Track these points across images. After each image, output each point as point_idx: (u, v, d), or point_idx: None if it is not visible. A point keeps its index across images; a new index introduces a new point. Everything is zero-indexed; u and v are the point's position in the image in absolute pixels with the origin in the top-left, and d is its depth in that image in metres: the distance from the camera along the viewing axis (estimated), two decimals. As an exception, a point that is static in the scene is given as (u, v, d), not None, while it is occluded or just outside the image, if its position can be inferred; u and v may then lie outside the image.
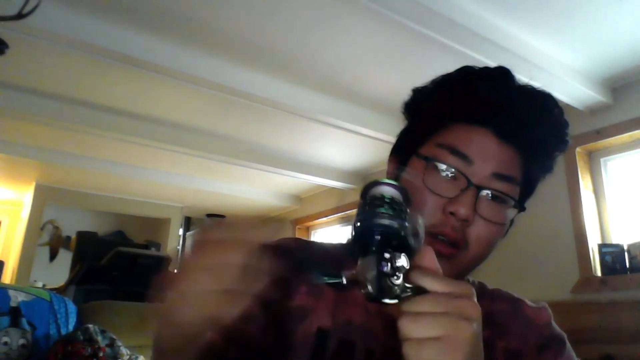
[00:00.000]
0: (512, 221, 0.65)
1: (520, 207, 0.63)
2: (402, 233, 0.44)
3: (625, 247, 2.67)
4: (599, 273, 2.69)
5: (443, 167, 0.60)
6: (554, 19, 2.21)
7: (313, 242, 0.76)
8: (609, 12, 2.14)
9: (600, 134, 2.80)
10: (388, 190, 0.46)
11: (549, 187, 2.69)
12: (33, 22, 1.96)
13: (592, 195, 2.89)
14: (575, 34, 2.32)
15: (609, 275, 2.63)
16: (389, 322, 0.62)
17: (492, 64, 2.44)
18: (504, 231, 0.62)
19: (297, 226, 5.43)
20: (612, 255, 2.66)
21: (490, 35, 2.20)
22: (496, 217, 0.60)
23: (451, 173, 0.60)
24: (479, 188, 0.58)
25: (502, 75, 0.65)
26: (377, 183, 0.47)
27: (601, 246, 2.72)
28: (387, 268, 0.43)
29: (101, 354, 1.80)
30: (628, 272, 2.61)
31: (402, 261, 0.43)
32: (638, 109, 2.67)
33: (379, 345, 0.61)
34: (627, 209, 2.78)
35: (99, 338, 1.85)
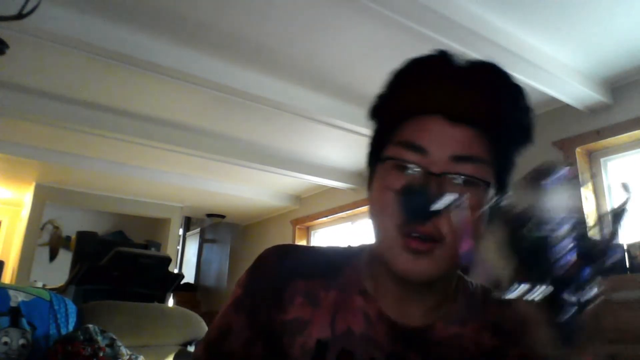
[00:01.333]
0: (499, 205, 0.60)
1: (499, 185, 0.60)
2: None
3: (625, 247, 2.67)
4: (599, 273, 2.69)
5: (402, 164, 0.58)
6: (554, 19, 2.21)
7: (306, 247, 0.73)
8: (608, 12, 2.15)
9: (600, 134, 2.80)
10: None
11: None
12: (33, 22, 1.96)
13: (592, 195, 2.89)
14: (575, 34, 2.32)
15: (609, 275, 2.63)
16: (391, 328, 0.61)
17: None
18: (481, 216, 0.58)
19: (297, 226, 5.43)
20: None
21: (490, 35, 2.20)
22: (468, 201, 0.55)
23: (410, 168, 0.57)
24: (440, 175, 0.56)
25: (438, 58, 0.63)
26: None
27: (601, 246, 2.72)
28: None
29: (101, 354, 1.80)
30: (628, 272, 2.61)
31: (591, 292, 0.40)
32: (638, 109, 2.67)
33: (381, 353, 0.60)
34: (627, 209, 2.78)
35: (99, 338, 1.85)
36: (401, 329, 0.61)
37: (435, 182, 0.55)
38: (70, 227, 5.92)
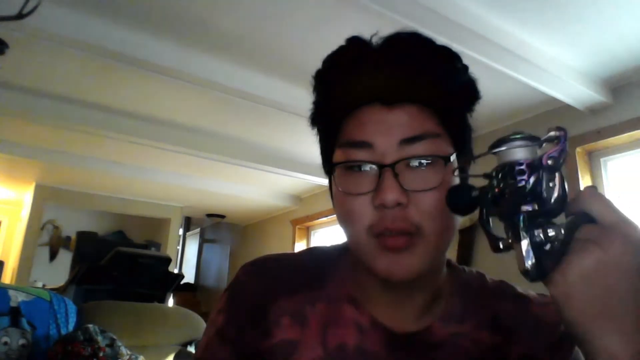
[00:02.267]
0: (464, 170, 0.58)
1: (461, 154, 0.56)
2: (550, 206, 0.42)
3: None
4: (599, 273, 2.69)
5: (352, 165, 0.54)
6: (554, 19, 2.21)
7: (285, 256, 0.66)
8: (609, 12, 2.14)
9: (600, 134, 2.80)
10: (521, 154, 0.43)
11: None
12: (33, 22, 1.96)
13: (592, 195, 2.89)
14: (575, 34, 2.32)
15: (609, 275, 2.63)
16: (386, 336, 0.58)
17: (492, 64, 2.45)
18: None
19: (297, 226, 5.43)
20: (612, 255, 2.66)
21: (490, 35, 2.20)
22: (429, 181, 0.52)
23: (360, 167, 0.53)
24: (393, 165, 0.51)
25: (352, 44, 0.58)
26: (506, 141, 0.44)
27: (601, 246, 2.72)
28: (542, 246, 0.42)
29: (101, 354, 1.80)
30: (628, 272, 2.61)
31: (554, 230, 0.42)
32: (638, 109, 2.67)
33: None
34: (627, 209, 2.78)
35: (99, 338, 1.85)
36: (397, 336, 0.58)
37: (389, 173, 0.51)
38: (70, 227, 5.92)
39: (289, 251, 0.71)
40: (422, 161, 0.52)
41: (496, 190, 0.44)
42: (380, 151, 0.52)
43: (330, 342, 0.58)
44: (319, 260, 0.65)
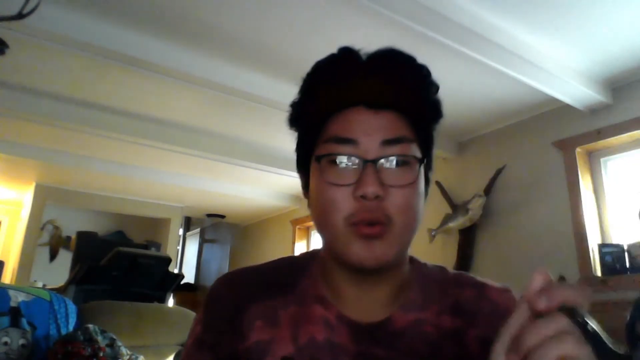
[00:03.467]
0: (427, 180, 0.65)
1: (422, 160, 0.63)
2: None
3: (625, 247, 2.67)
4: (599, 273, 2.69)
5: (335, 158, 0.60)
6: (554, 19, 2.21)
7: (256, 268, 0.71)
8: (609, 12, 2.14)
9: (600, 134, 2.80)
10: None
11: (549, 187, 2.68)
12: (33, 22, 1.96)
13: (592, 195, 2.89)
14: (575, 34, 2.32)
15: (609, 276, 2.63)
16: (352, 328, 0.62)
17: (493, 64, 2.45)
18: (419, 192, 0.61)
19: (297, 226, 5.43)
20: (612, 255, 2.66)
21: (490, 36, 2.20)
22: (404, 179, 0.59)
23: (345, 161, 0.59)
24: (375, 161, 0.58)
25: (345, 53, 0.67)
26: None
27: (601, 246, 2.72)
28: None
29: (101, 354, 1.80)
30: (628, 272, 2.61)
31: None
32: (638, 109, 2.67)
33: (348, 355, 0.61)
34: (627, 209, 2.78)
35: (99, 338, 1.85)
36: (362, 327, 0.62)
37: (371, 168, 0.57)
38: (70, 227, 5.91)
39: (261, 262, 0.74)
40: (399, 161, 0.59)
41: None
42: (363, 148, 0.59)
43: (301, 338, 0.62)
44: (290, 267, 0.70)
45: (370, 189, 0.56)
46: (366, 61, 0.65)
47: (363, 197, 0.57)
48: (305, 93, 0.67)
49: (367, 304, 0.63)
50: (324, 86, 0.65)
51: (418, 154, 0.62)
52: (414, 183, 0.60)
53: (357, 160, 0.59)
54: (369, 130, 0.60)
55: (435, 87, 0.65)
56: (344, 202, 0.58)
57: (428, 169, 0.65)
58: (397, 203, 0.58)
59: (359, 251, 0.57)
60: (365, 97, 0.61)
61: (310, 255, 0.71)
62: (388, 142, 0.59)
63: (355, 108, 0.62)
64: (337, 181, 0.59)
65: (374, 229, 0.57)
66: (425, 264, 0.70)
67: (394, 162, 0.59)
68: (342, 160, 0.59)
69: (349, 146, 0.59)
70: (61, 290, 3.30)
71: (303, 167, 0.68)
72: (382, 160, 0.59)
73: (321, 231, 0.63)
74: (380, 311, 0.63)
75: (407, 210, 0.59)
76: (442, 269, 0.71)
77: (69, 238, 5.92)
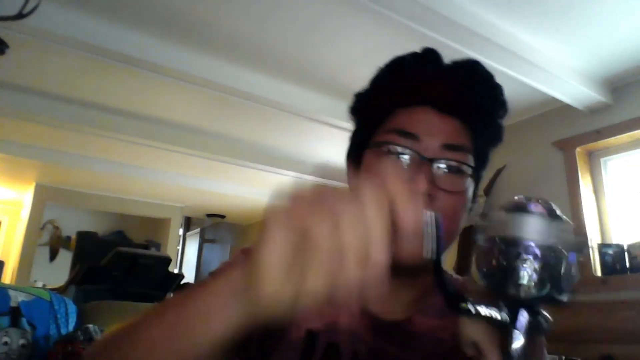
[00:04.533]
0: (474, 197, 0.65)
1: (476, 176, 0.64)
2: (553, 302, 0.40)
3: (625, 247, 2.67)
4: (599, 273, 2.69)
5: (395, 149, 0.60)
6: (554, 19, 2.21)
7: None
8: (608, 12, 2.14)
9: (600, 134, 2.80)
10: (534, 233, 0.39)
11: (549, 187, 2.67)
12: (33, 22, 1.96)
13: (592, 195, 2.89)
14: (575, 34, 2.32)
15: (609, 275, 2.63)
16: (373, 322, 0.63)
17: (493, 64, 2.45)
18: (466, 204, 0.62)
19: (297, 226, 5.43)
20: (612, 255, 2.66)
21: (490, 35, 2.20)
22: (455, 186, 0.59)
23: (404, 154, 0.60)
24: (432, 161, 0.59)
25: (429, 54, 0.67)
26: (521, 210, 0.40)
27: (601, 246, 2.72)
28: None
29: (101, 354, 1.80)
30: (628, 272, 2.61)
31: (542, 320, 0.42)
32: (638, 109, 2.67)
33: (364, 346, 0.61)
34: (627, 209, 2.78)
35: (99, 338, 1.85)
36: (382, 322, 0.63)
37: (426, 166, 0.58)
38: (70, 227, 5.91)
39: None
40: (454, 167, 0.60)
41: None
42: (424, 146, 0.60)
43: (326, 317, 0.63)
44: None
45: (424, 185, 0.56)
46: (447, 66, 0.65)
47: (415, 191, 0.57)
48: (377, 84, 0.68)
49: (391, 303, 0.64)
50: (399, 80, 0.66)
51: (472, 165, 0.62)
52: (463, 192, 0.60)
53: (414, 155, 0.59)
54: (432, 130, 0.60)
55: (505, 110, 0.65)
56: None
57: (477, 184, 0.65)
58: (444, 207, 0.58)
59: (399, 247, 0.56)
60: (436, 99, 0.62)
61: None
62: (449, 147, 0.60)
63: (423, 107, 0.62)
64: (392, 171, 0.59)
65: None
66: (449, 274, 0.71)
67: (449, 167, 0.60)
68: (400, 151, 0.60)
69: (410, 140, 0.60)
70: (61, 290, 3.30)
71: (354, 156, 0.68)
72: (439, 162, 0.59)
73: None
74: (402, 311, 0.64)
75: (452, 216, 0.59)
76: (464, 282, 0.72)
77: (69, 238, 5.92)
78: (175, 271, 5.67)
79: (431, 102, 0.62)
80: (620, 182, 2.88)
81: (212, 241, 7.27)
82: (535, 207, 0.41)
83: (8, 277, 5.07)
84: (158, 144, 3.67)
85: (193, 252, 7.60)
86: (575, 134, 2.90)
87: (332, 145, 3.90)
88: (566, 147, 2.94)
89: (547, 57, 2.45)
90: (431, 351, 0.62)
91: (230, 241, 6.74)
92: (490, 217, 0.44)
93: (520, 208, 0.42)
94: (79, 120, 3.31)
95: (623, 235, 2.77)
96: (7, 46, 2.30)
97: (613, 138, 2.77)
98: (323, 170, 4.30)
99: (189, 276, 7.11)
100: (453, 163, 0.60)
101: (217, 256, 6.95)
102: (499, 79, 0.68)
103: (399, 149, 0.60)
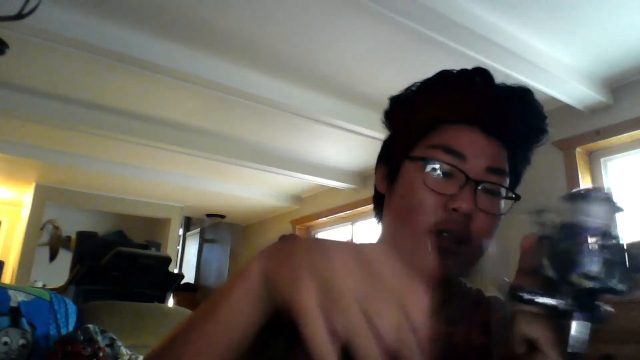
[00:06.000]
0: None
1: (516, 197, 0.66)
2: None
3: (626, 247, 2.67)
4: (599, 273, 2.69)
5: (439, 166, 0.61)
6: (554, 19, 2.21)
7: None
8: (608, 12, 2.14)
9: (600, 134, 2.80)
10: (602, 219, 0.39)
11: (549, 187, 2.66)
12: (33, 22, 1.96)
13: (592, 195, 2.89)
14: (575, 34, 2.32)
15: (609, 275, 2.63)
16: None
17: (492, 64, 2.45)
18: (499, 224, 0.64)
19: (297, 226, 5.43)
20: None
21: (490, 35, 2.20)
22: (494, 208, 0.61)
23: (447, 171, 0.61)
24: (477, 182, 0.60)
25: (481, 74, 0.68)
26: (585, 198, 0.41)
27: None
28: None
29: (101, 354, 1.80)
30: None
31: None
32: (638, 109, 2.67)
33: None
34: (627, 209, 2.78)
35: (99, 338, 1.85)
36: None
37: (472, 187, 0.60)
38: (70, 227, 5.91)
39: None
40: (494, 190, 0.62)
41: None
42: (469, 167, 0.61)
43: None
44: None
45: (466, 205, 0.58)
46: (498, 89, 0.67)
47: (455, 210, 0.58)
48: (423, 95, 0.68)
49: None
50: (447, 95, 0.66)
51: (510, 189, 0.65)
52: (499, 213, 0.62)
53: (461, 175, 0.60)
54: (478, 151, 0.62)
55: (545, 139, 0.67)
56: (435, 209, 0.60)
57: (515, 201, 0.67)
58: (481, 227, 0.60)
59: (433, 263, 0.58)
60: (484, 121, 0.63)
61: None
62: (492, 170, 0.62)
63: (470, 127, 0.63)
64: (434, 187, 0.60)
65: (454, 246, 0.59)
66: (465, 283, 0.72)
67: (491, 190, 0.62)
68: (446, 169, 0.61)
69: (457, 159, 0.61)
70: (61, 290, 3.30)
71: (390, 163, 0.69)
72: (483, 184, 0.61)
73: (397, 226, 0.64)
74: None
75: (487, 236, 0.61)
76: (479, 291, 0.73)
77: (69, 238, 5.92)
78: (175, 271, 5.67)
79: (479, 123, 0.63)
80: (620, 182, 2.88)
81: (212, 241, 7.26)
82: (599, 194, 0.42)
83: (8, 277, 5.07)
84: (158, 144, 3.67)
85: (193, 252, 7.60)
86: (575, 134, 2.90)
87: (332, 145, 3.90)
88: (566, 147, 2.94)
89: (547, 57, 2.45)
90: (444, 356, 0.62)
91: (230, 241, 6.74)
92: (549, 210, 0.45)
93: (584, 197, 0.43)
94: (79, 120, 3.31)
95: (623, 235, 2.76)
96: (7, 46, 2.30)
97: (613, 138, 2.77)
98: (323, 171, 4.31)
99: (189, 276, 7.11)
100: (495, 187, 0.62)
101: (217, 256, 6.95)
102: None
103: (446, 167, 0.61)
